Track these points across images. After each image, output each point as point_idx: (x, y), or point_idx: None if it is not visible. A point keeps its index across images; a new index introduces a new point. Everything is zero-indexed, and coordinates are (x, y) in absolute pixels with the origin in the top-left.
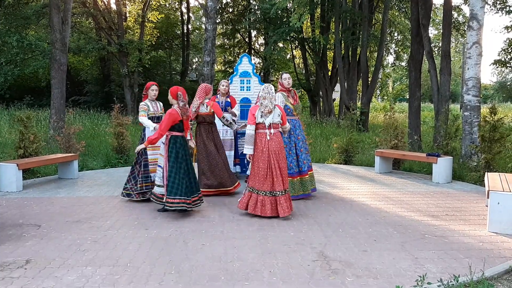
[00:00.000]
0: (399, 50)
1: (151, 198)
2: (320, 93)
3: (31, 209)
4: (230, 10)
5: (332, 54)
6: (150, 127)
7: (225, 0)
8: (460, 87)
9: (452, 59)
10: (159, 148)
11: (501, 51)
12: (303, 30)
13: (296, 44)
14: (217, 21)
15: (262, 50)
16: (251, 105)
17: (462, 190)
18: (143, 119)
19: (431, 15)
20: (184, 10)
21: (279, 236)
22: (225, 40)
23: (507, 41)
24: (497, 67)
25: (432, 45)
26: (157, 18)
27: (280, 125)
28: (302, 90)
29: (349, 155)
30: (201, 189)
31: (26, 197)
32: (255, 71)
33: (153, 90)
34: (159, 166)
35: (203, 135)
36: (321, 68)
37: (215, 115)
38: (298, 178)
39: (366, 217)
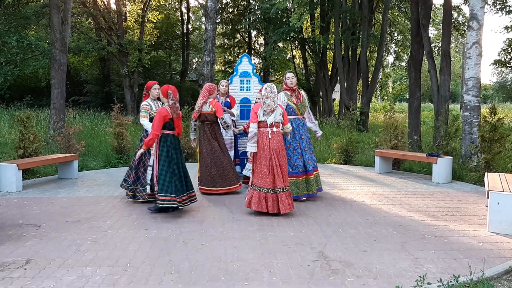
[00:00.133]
0: (399, 50)
1: (145, 197)
2: (320, 93)
3: (31, 209)
4: (230, 10)
5: (332, 54)
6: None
7: (225, 0)
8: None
9: (452, 59)
10: None
11: (501, 51)
12: (303, 30)
13: (296, 44)
14: (217, 21)
15: (262, 50)
16: (251, 105)
17: (462, 190)
18: (144, 121)
19: (431, 15)
20: (184, 10)
21: (279, 236)
22: (225, 40)
23: (507, 41)
24: (497, 67)
25: (432, 45)
26: (157, 18)
27: (281, 125)
28: (302, 90)
29: (349, 155)
30: (206, 188)
31: (26, 197)
32: (255, 71)
33: (155, 89)
34: (149, 165)
35: (207, 133)
36: (321, 68)
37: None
38: (304, 177)
39: (366, 217)
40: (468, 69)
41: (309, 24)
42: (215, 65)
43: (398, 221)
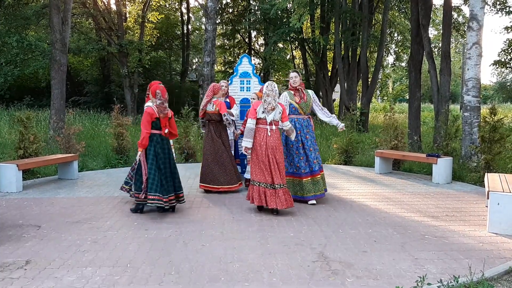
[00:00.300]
0: (399, 50)
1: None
2: (320, 93)
3: (31, 209)
4: (230, 10)
5: (332, 54)
6: None
7: (225, 0)
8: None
9: (452, 59)
10: (172, 147)
11: (501, 52)
12: (303, 30)
13: (296, 44)
14: (217, 22)
15: (262, 50)
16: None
17: (462, 191)
18: None
19: (431, 15)
20: (184, 11)
21: (279, 236)
22: (225, 40)
23: (507, 41)
24: (497, 68)
25: (432, 45)
26: (157, 19)
27: (280, 122)
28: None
29: (349, 155)
30: (206, 185)
31: (26, 198)
32: (255, 71)
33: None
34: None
35: (212, 132)
36: (321, 68)
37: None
38: (310, 178)
39: (366, 218)
40: (468, 69)
41: (309, 24)
42: (215, 65)
43: (398, 222)
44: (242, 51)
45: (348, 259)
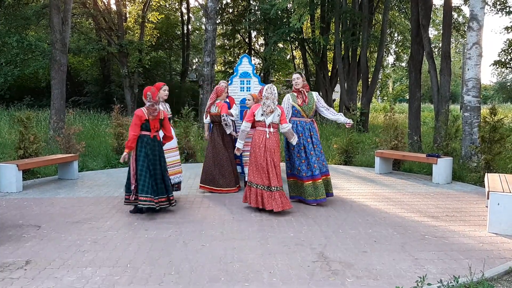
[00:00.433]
0: (399, 50)
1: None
2: (320, 93)
3: (31, 209)
4: (230, 10)
5: (332, 54)
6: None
7: (225, 0)
8: (460, 87)
9: (452, 59)
10: (176, 149)
11: (501, 52)
12: (303, 30)
13: (296, 44)
14: (217, 22)
15: (262, 50)
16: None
17: (462, 191)
18: None
19: (431, 15)
20: (184, 11)
21: (279, 237)
22: (225, 40)
23: (507, 41)
24: (497, 68)
25: (432, 45)
26: (157, 19)
27: (279, 125)
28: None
29: (349, 155)
30: (206, 186)
31: (26, 198)
32: (255, 71)
33: (165, 90)
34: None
35: (215, 134)
36: (321, 68)
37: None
38: (311, 182)
39: (366, 218)
40: (468, 69)
41: (309, 24)
42: (215, 65)
43: (398, 222)
44: (242, 51)
45: (348, 259)
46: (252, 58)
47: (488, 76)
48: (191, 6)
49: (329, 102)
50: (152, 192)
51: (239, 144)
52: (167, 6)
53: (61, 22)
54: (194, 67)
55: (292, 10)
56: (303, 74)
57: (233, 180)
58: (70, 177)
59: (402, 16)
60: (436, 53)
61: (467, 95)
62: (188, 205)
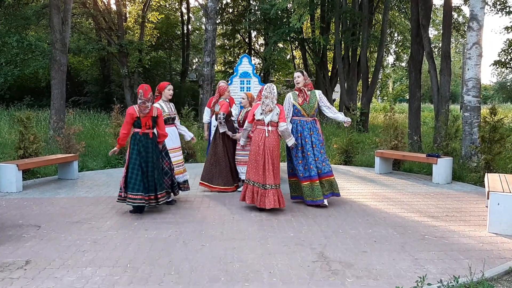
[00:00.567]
0: (399, 50)
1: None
2: None
3: (31, 209)
4: (230, 10)
5: (332, 54)
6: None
7: (225, 0)
8: (460, 87)
9: (452, 59)
10: (178, 149)
11: (501, 52)
12: (303, 30)
13: (296, 44)
14: (217, 22)
15: (262, 50)
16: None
17: (462, 191)
18: None
19: (431, 15)
20: (184, 11)
21: (279, 236)
22: (225, 40)
23: (507, 41)
24: (497, 68)
25: (432, 45)
26: (157, 19)
27: (278, 123)
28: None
29: (349, 155)
30: (205, 183)
31: (26, 198)
32: (255, 71)
33: (169, 90)
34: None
35: (217, 133)
36: (321, 68)
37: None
38: (308, 183)
39: (366, 218)
40: (468, 69)
41: (309, 24)
42: (215, 65)
43: (398, 222)
44: (242, 51)
45: (348, 259)
46: (252, 58)
47: (488, 76)
48: (191, 6)
49: (329, 102)
50: (143, 190)
51: (242, 142)
52: (167, 6)
53: (61, 22)
54: (194, 67)
55: (292, 10)
56: (304, 73)
57: (231, 179)
58: (70, 177)
59: (402, 16)
60: (436, 53)
61: (467, 95)
62: (188, 205)
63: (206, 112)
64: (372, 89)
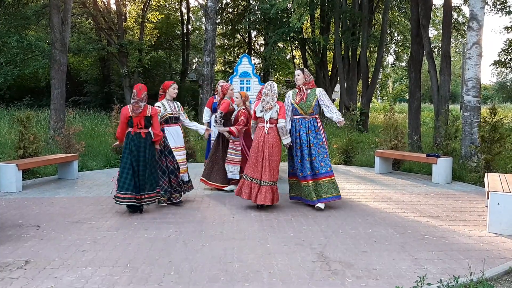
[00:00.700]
0: (399, 50)
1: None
2: None
3: (30, 209)
4: (230, 10)
5: (332, 54)
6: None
7: (225, 0)
8: (460, 87)
9: (452, 59)
10: (181, 148)
11: (501, 52)
12: (303, 30)
13: (296, 44)
14: (217, 22)
15: (262, 50)
16: (250, 105)
17: (462, 191)
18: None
19: (431, 15)
20: (184, 11)
21: (278, 236)
22: (225, 40)
23: (507, 41)
24: (497, 68)
25: (432, 45)
26: (157, 18)
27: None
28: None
29: (349, 155)
30: (203, 178)
31: (26, 198)
32: (255, 71)
33: (174, 88)
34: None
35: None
36: (321, 68)
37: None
38: (305, 182)
39: (366, 218)
40: (468, 69)
41: (309, 24)
42: (215, 65)
43: (398, 222)
44: (242, 51)
45: (348, 259)
46: (252, 58)
47: (488, 76)
48: (191, 6)
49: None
50: (133, 189)
51: (253, 136)
52: (167, 6)
53: (61, 22)
54: (194, 67)
55: (292, 10)
56: (306, 71)
57: (225, 178)
58: (70, 177)
59: (402, 16)
60: (436, 53)
61: (467, 95)
62: (188, 205)
63: (206, 112)
64: (372, 89)
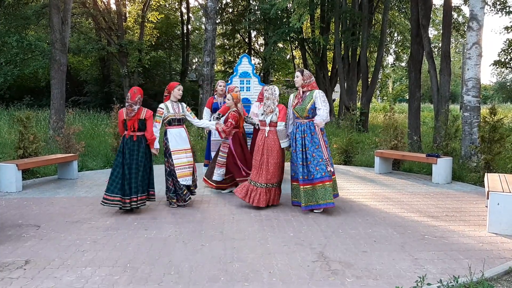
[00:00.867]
0: (399, 50)
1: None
2: None
3: (30, 209)
4: (230, 10)
5: (332, 54)
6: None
7: (225, 0)
8: (460, 87)
9: (452, 59)
10: (184, 151)
11: (501, 52)
12: (303, 30)
13: (296, 44)
14: (217, 22)
15: (262, 50)
16: (250, 106)
17: (461, 191)
18: (156, 126)
19: (431, 15)
20: (184, 11)
21: (278, 236)
22: (225, 40)
23: (507, 41)
24: (497, 68)
25: (432, 45)
26: (157, 18)
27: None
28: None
29: (349, 155)
30: (205, 177)
31: (26, 198)
32: (255, 71)
33: (179, 90)
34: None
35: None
36: (321, 68)
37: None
38: (302, 187)
39: (366, 218)
40: (468, 69)
41: (309, 24)
42: (215, 65)
43: (398, 222)
44: (242, 51)
45: (348, 259)
46: (252, 58)
47: (488, 76)
48: (191, 6)
49: (329, 102)
50: (119, 191)
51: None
52: (167, 6)
53: (60, 21)
54: (194, 67)
55: (292, 10)
56: (305, 72)
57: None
58: (70, 177)
59: (402, 16)
60: (436, 53)
61: (467, 95)
62: (188, 205)
63: (206, 112)
64: (372, 89)
